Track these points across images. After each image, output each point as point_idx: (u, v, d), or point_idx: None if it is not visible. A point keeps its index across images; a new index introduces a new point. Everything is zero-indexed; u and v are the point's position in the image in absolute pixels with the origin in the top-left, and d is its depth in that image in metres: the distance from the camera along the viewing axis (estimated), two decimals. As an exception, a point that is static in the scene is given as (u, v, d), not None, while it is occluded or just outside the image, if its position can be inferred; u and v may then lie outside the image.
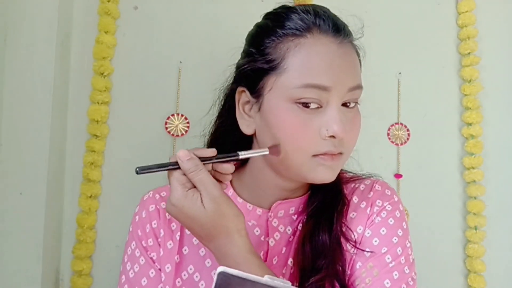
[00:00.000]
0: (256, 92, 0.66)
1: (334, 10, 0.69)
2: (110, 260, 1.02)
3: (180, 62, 1.06)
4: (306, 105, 0.61)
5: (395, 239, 0.67)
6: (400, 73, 1.11)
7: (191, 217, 0.58)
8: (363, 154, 1.06)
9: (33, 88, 0.96)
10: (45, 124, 0.96)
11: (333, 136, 0.62)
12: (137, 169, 0.57)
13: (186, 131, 1.04)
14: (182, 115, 1.05)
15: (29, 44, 0.97)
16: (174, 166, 0.59)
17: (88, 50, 1.04)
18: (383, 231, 0.68)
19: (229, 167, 0.62)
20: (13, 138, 0.96)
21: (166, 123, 1.05)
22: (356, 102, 0.66)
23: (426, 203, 1.10)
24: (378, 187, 0.73)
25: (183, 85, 1.05)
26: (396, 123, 1.10)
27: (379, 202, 0.70)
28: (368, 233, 0.68)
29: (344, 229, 0.68)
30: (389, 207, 0.70)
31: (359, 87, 0.65)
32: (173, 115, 1.05)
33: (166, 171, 0.60)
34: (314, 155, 0.62)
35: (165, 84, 1.06)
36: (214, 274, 0.36)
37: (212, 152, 0.61)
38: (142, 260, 0.70)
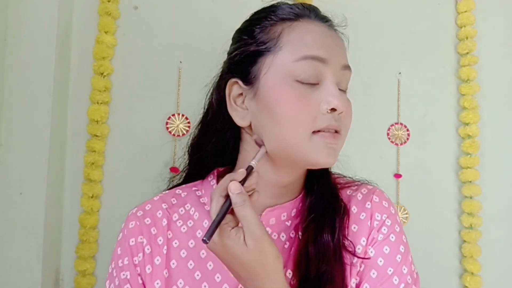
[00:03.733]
0: (250, 79, 0.65)
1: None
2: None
3: (180, 62, 1.06)
4: (304, 81, 0.62)
5: (399, 257, 0.68)
6: (400, 73, 1.11)
7: (232, 255, 0.57)
8: (363, 154, 1.07)
9: (33, 88, 0.96)
10: (45, 124, 0.96)
11: (334, 110, 0.61)
12: (205, 239, 0.54)
13: (187, 131, 1.04)
14: (183, 115, 1.05)
15: (29, 44, 0.97)
16: (227, 209, 0.58)
17: (88, 50, 1.04)
18: (386, 249, 0.68)
19: (252, 182, 0.61)
20: (13, 138, 0.96)
21: (167, 123, 1.05)
22: (346, 88, 0.67)
23: (425, 203, 1.10)
24: (376, 199, 0.72)
25: (183, 85, 1.06)
26: (396, 123, 1.10)
27: (378, 216, 0.70)
28: (372, 251, 0.68)
29: (346, 243, 0.67)
30: (388, 222, 0.70)
31: (350, 68, 0.67)
32: (173, 115, 1.05)
33: None
34: (314, 132, 0.61)
35: (166, 84, 1.06)
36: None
37: (243, 173, 0.60)
38: (117, 281, 0.68)
